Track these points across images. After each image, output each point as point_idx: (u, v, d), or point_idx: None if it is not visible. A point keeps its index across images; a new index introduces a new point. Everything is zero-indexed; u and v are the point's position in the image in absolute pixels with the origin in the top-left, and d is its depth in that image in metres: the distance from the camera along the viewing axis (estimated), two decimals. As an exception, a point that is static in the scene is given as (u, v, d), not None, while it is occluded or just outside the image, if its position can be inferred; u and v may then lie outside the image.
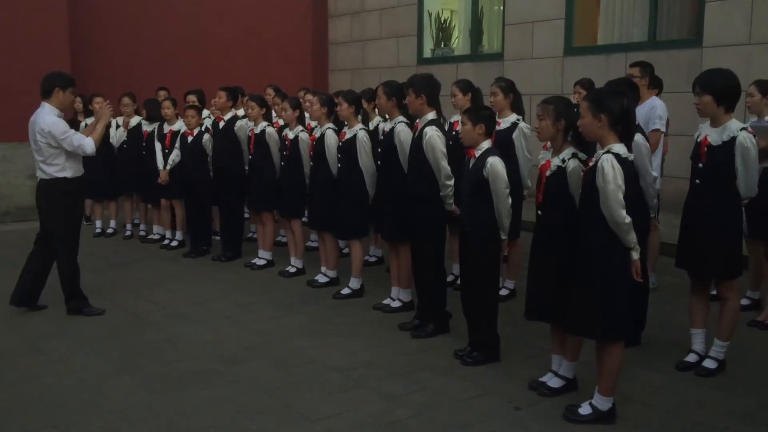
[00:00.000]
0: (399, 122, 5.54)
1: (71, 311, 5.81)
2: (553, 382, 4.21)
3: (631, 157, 3.72)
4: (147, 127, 8.48)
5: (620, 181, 3.57)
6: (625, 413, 3.91)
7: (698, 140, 4.42)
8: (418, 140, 5.15)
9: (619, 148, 3.65)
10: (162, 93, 9.17)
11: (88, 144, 5.56)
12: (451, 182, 5.06)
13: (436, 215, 5.16)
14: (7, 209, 9.97)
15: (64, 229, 5.71)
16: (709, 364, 4.47)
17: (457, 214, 5.09)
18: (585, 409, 3.83)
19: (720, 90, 4.22)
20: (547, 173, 4.02)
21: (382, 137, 5.87)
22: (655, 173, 4.60)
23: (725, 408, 4.02)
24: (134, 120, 8.73)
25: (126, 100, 8.74)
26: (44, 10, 10.04)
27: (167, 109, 8.08)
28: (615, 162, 3.58)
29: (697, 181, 4.39)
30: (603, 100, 3.71)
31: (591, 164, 3.74)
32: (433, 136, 5.03)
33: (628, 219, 3.59)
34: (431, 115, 5.17)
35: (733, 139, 4.21)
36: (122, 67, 11.06)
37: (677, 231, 4.60)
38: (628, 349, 4.23)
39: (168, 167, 7.98)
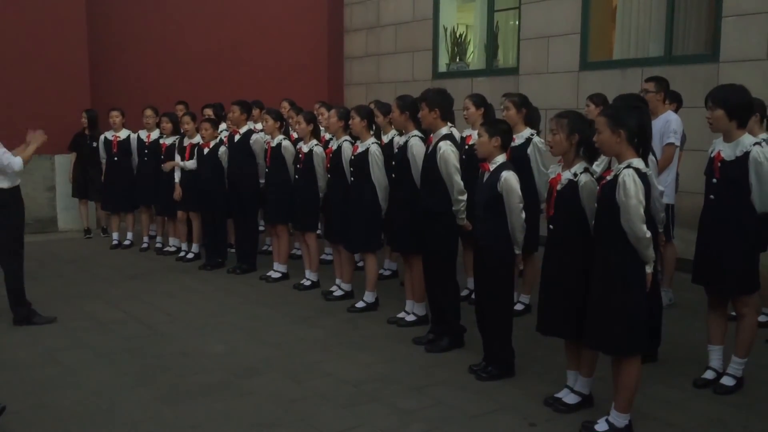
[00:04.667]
0: (412, 136, 5.55)
1: (19, 321, 5.83)
2: (569, 398, 4.18)
3: (649, 171, 3.71)
4: (165, 141, 8.56)
5: (641, 196, 3.55)
6: (643, 430, 3.87)
7: (712, 155, 4.40)
8: (431, 155, 5.16)
9: (638, 162, 3.64)
10: (180, 107, 9.26)
11: (16, 162, 5.64)
12: (464, 197, 5.07)
13: (449, 230, 5.16)
14: (25, 221, 10.05)
15: (6, 239, 5.76)
16: (727, 381, 4.42)
17: (470, 229, 5.09)
18: (602, 426, 3.80)
19: (732, 105, 4.21)
20: (558, 187, 4.01)
21: (396, 151, 5.89)
22: (661, 187, 4.57)
23: (744, 426, 3.98)
24: (155, 133, 8.83)
25: (148, 112, 8.86)
26: (64, 24, 10.18)
27: (186, 124, 8.17)
28: (636, 177, 3.56)
29: (712, 196, 4.37)
30: (621, 115, 3.70)
31: (609, 178, 3.72)
32: (446, 150, 5.04)
33: (648, 234, 3.58)
34: (445, 130, 5.18)
35: (747, 154, 4.19)
36: (141, 81, 11.17)
37: (693, 246, 4.57)
38: (645, 365, 4.20)
39: (181, 165, 8.05)
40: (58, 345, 5.40)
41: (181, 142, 8.30)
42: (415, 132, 5.57)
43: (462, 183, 5.07)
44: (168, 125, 8.51)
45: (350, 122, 6.17)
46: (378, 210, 6.03)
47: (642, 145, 3.71)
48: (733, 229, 4.26)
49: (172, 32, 11.67)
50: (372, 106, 6.53)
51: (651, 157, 4.41)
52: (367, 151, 5.98)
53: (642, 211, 3.56)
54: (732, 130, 4.26)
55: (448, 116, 5.25)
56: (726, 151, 4.29)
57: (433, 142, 5.18)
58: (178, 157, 8.24)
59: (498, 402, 4.30)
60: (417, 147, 5.48)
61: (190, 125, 8.16)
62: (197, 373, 4.83)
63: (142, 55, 11.36)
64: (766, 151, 4.20)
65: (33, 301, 5.98)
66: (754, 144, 4.21)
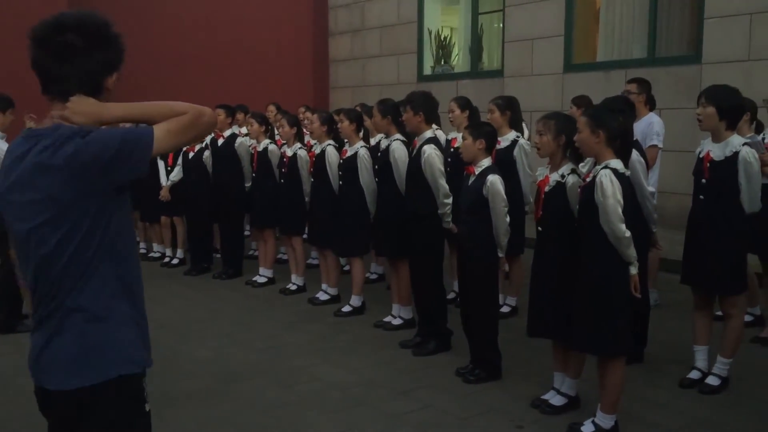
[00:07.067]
0: (394, 140, 5.55)
1: (2, 330, 5.76)
2: (556, 399, 4.18)
3: (628, 172, 3.74)
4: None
5: (619, 195, 3.58)
6: (629, 431, 3.88)
7: (700, 156, 4.41)
8: (416, 158, 5.16)
9: (616, 163, 3.67)
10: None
11: None
12: (450, 200, 5.07)
13: (434, 233, 5.16)
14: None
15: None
16: (712, 381, 4.44)
17: (455, 232, 5.09)
18: (588, 428, 3.80)
19: (724, 105, 4.23)
20: (546, 189, 4.03)
21: (379, 155, 5.88)
22: (652, 188, 4.59)
23: (729, 426, 3.99)
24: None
25: None
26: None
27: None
28: (613, 177, 3.59)
29: (701, 196, 4.39)
30: (601, 116, 3.73)
31: (588, 180, 3.75)
32: (431, 154, 5.04)
33: (628, 233, 3.59)
34: (429, 133, 5.19)
35: (736, 154, 4.21)
36: (125, 86, 11.04)
37: (678, 247, 4.59)
38: (631, 366, 4.22)
39: (169, 184, 7.98)
40: (41, 353, 5.34)
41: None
42: (397, 136, 5.57)
43: (447, 186, 5.07)
44: None
45: (339, 125, 6.16)
46: (366, 214, 6.02)
47: (623, 147, 3.73)
48: (722, 230, 4.27)
49: (155, 36, 11.62)
50: (358, 109, 6.53)
51: (640, 159, 4.44)
52: (356, 154, 5.97)
53: (620, 210, 3.58)
54: (721, 130, 4.28)
55: (432, 119, 5.26)
56: (715, 151, 4.30)
57: (417, 146, 5.18)
58: (161, 163, 8.17)
59: (485, 404, 4.30)
60: (399, 151, 5.48)
61: None
62: (183, 379, 4.79)
63: (126, 61, 11.27)
64: (755, 151, 4.23)
65: (16, 308, 5.92)
66: (743, 144, 4.23)
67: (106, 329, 2.00)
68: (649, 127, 5.93)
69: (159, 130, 1.96)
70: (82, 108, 1.98)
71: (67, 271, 1.94)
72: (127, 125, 2.05)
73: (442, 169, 5.08)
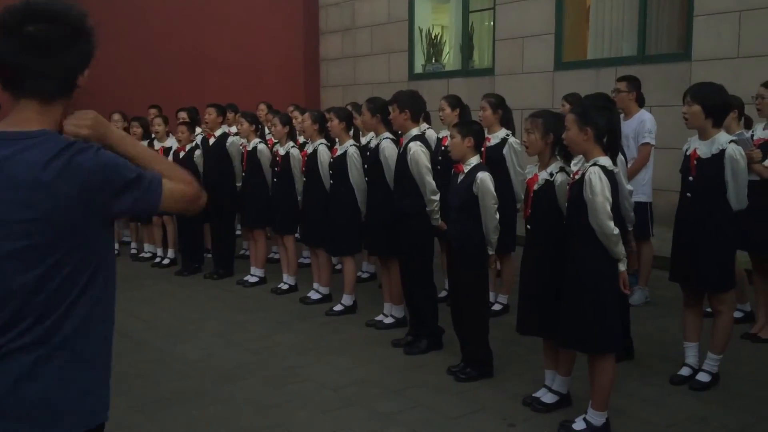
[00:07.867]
0: (384, 138, 5.55)
1: None
2: (547, 397, 4.19)
3: (616, 169, 3.75)
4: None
5: (608, 193, 3.59)
6: (620, 428, 3.88)
7: (687, 153, 4.43)
8: (402, 156, 5.16)
9: (605, 160, 3.67)
10: (153, 111, 9.18)
11: None
12: (437, 197, 5.07)
13: (423, 231, 5.16)
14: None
15: None
16: (702, 377, 4.46)
17: (444, 230, 5.09)
18: (579, 425, 3.81)
19: (710, 103, 4.24)
20: (535, 187, 4.03)
21: (368, 154, 5.87)
22: (630, 187, 4.60)
23: (720, 422, 4.01)
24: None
25: (116, 116, 8.75)
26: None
27: (158, 126, 8.09)
28: (602, 174, 3.60)
29: (688, 194, 4.40)
30: (589, 113, 3.73)
31: (577, 177, 3.75)
32: (417, 151, 5.04)
33: (616, 230, 3.60)
34: (415, 131, 5.20)
35: (722, 151, 4.22)
36: (115, 85, 11.05)
37: (668, 244, 4.60)
38: (622, 363, 4.23)
39: None
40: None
41: (150, 146, 8.21)
42: (386, 134, 5.57)
43: (434, 183, 5.07)
44: (138, 130, 8.40)
45: (329, 124, 6.16)
46: (357, 213, 6.01)
47: (611, 144, 3.74)
48: (709, 227, 4.29)
49: (145, 35, 11.58)
50: (349, 108, 6.52)
51: (620, 157, 4.45)
52: (345, 153, 5.96)
53: (609, 208, 3.58)
54: (707, 127, 4.29)
55: (419, 117, 5.26)
56: (702, 148, 4.32)
57: (404, 144, 5.18)
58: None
59: (477, 403, 4.30)
60: (389, 149, 5.48)
61: (162, 128, 8.08)
62: (174, 380, 4.78)
63: (115, 59, 11.23)
64: (742, 148, 4.24)
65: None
66: (730, 141, 4.25)
67: (95, 374, 1.85)
68: (641, 125, 5.95)
69: (167, 186, 1.81)
70: (86, 122, 1.82)
71: (51, 303, 1.71)
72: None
73: (429, 165, 5.08)
